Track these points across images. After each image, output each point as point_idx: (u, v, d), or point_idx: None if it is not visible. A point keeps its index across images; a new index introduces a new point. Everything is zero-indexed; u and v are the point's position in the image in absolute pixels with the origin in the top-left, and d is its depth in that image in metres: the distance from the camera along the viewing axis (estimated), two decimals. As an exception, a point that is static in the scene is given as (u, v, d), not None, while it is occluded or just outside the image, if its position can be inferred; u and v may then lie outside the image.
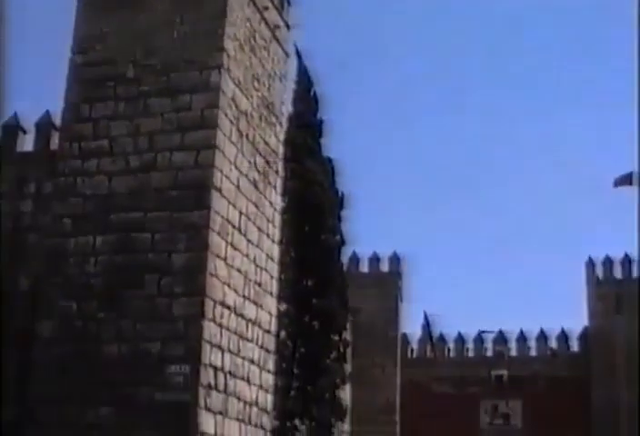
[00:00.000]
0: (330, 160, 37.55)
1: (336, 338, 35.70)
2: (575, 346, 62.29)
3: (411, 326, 64.72)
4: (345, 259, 44.36)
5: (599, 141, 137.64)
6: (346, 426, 52.18)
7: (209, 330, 20.40)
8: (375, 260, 62.31)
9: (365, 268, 61.96)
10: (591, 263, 62.72)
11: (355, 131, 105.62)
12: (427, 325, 63.25)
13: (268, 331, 24.63)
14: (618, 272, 62.33)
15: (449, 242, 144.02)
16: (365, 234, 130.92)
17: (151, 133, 21.87)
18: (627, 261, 62.12)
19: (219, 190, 21.26)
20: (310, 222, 34.02)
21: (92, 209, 21.62)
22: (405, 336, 62.65)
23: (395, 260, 62.26)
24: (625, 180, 63.71)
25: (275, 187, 25.72)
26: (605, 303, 61.01)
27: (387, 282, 61.05)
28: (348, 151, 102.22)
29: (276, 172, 25.98)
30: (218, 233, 21.12)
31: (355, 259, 60.75)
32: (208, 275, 20.49)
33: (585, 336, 61.64)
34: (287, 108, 29.98)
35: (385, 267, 62.23)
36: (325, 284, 34.58)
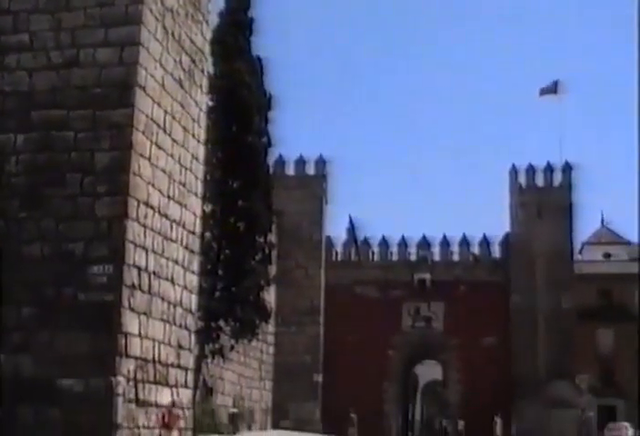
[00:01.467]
0: (259, 59, 36.92)
1: (261, 240, 35.77)
2: (496, 252, 63.47)
3: (336, 229, 65.21)
4: (271, 161, 44.21)
5: (524, 52, 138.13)
6: (270, 327, 52.95)
7: (133, 230, 20.16)
8: (300, 162, 62.21)
9: (290, 170, 61.87)
10: (514, 171, 63.50)
11: (287, 30, 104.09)
12: (352, 228, 63.73)
13: (193, 232, 24.46)
14: (540, 181, 63.25)
15: (376, 146, 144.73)
16: (292, 136, 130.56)
17: (73, 29, 21.11)
18: (549, 169, 63.02)
19: (143, 88, 20.76)
20: (237, 122, 33.64)
21: (12, 106, 20.96)
22: (329, 239, 63.10)
23: (321, 162, 62.26)
24: (550, 89, 64.33)
25: (201, 86, 25.20)
26: (526, 211, 62.09)
27: (313, 184, 61.20)
28: (278, 51, 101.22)
29: (202, 71, 25.42)
30: (142, 132, 20.70)
31: (281, 161, 60.59)
32: (132, 175, 20.13)
33: (506, 242, 62.80)
34: (217, 5, 29.27)
35: (310, 170, 62.23)
36: (251, 186, 34.44)
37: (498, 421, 53.14)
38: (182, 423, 23.13)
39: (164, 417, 22.96)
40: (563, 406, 57.61)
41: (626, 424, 61.07)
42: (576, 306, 62.49)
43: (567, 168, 62.68)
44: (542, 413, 55.58)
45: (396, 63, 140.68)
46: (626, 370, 71.77)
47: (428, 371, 72.87)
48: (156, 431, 22.71)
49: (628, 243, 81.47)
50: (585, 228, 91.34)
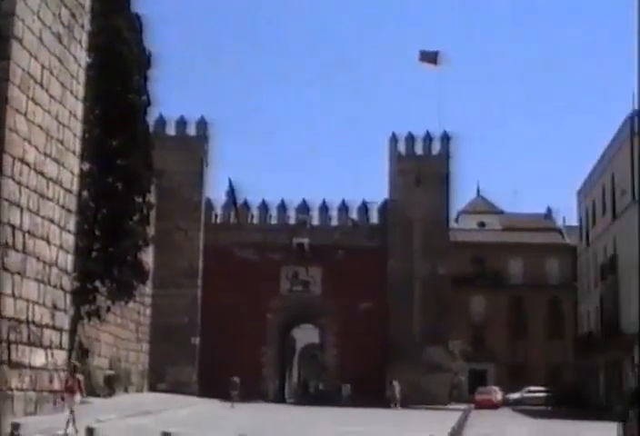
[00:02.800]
0: (138, 17, 36.16)
1: (140, 200, 35.28)
2: (374, 218, 64.07)
3: (216, 191, 64.78)
4: (151, 120, 43.53)
5: (408, 21, 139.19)
6: (148, 289, 52.53)
7: (7, 187, 19.69)
8: (181, 123, 61.42)
9: (171, 131, 61.05)
10: (394, 139, 64.15)
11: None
12: (232, 191, 63.41)
13: (70, 191, 24.02)
14: (419, 149, 64.11)
15: (259, 108, 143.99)
16: (173, 96, 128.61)
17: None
18: (428, 138, 63.93)
19: (20, 41, 20.18)
20: (116, 80, 32.93)
21: None
22: (209, 201, 62.65)
23: (202, 124, 61.54)
24: (431, 57, 65.10)
25: (80, 42, 24.65)
26: (405, 178, 62.87)
27: (193, 145, 60.51)
28: (158, 8, 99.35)
29: (82, 26, 24.86)
30: (19, 87, 20.16)
31: (161, 121, 59.66)
32: (7, 130, 19.63)
33: (384, 208, 63.46)
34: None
35: (191, 131, 61.55)
36: (130, 145, 33.85)
37: (396, 384, 53.93)
38: (83, 386, 23.03)
39: (67, 381, 22.81)
40: (436, 370, 58.97)
41: (495, 388, 63.13)
42: (451, 273, 63.84)
43: (445, 137, 63.69)
44: (417, 377, 56.78)
45: (282, 18, 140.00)
46: (497, 336, 74.04)
47: (306, 335, 73.55)
48: (58, 395, 22.58)
49: (502, 213, 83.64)
50: (461, 197, 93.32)
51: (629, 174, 51.29)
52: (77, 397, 22.56)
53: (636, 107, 51.50)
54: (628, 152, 51.77)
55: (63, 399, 22.74)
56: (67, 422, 21.19)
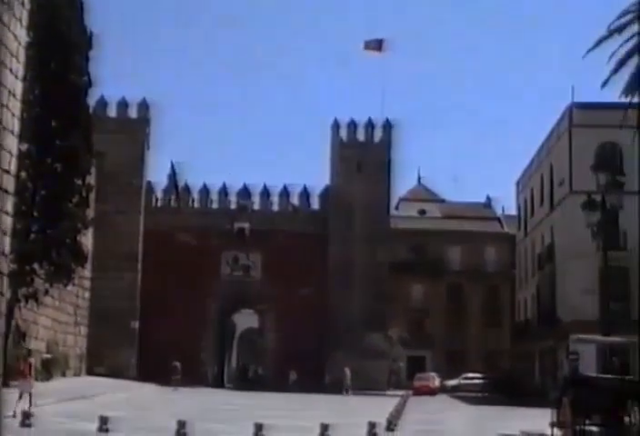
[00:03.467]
0: (79, -5, 35.54)
1: (79, 182, 34.78)
2: (315, 204, 64.13)
3: (157, 175, 64.30)
4: (92, 102, 42.91)
5: (348, 3, 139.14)
6: (87, 272, 51.96)
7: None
8: (122, 105, 60.72)
9: (112, 113, 60.36)
10: (336, 126, 64.21)
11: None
12: (173, 175, 62.95)
13: (7, 171, 23.51)
14: (361, 136, 64.22)
15: (201, 91, 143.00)
16: (115, 78, 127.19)
17: None
18: (370, 125, 64.06)
19: (-44, 17, 19.68)
20: (56, 59, 32.37)
21: None
22: (150, 184, 62.11)
23: (144, 106, 60.92)
24: (375, 45, 65.15)
25: (20, 20, 24.11)
26: (346, 165, 62.97)
27: (135, 128, 59.82)
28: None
29: (22, 3, 24.31)
30: (-45, 64, 19.66)
31: (102, 102, 58.84)
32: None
33: (325, 195, 63.55)
34: None
35: (133, 113, 60.92)
36: (70, 126, 33.31)
37: (347, 371, 54.08)
38: (34, 370, 22.90)
39: (21, 365, 22.64)
40: (376, 357, 59.27)
41: (433, 374, 63.71)
42: (391, 260, 64.14)
43: (387, 125, 63.90)
44: (356, 363, 57.02)
45: (228, 1, 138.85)
46: (435, 322, 74.69)
47: (245, 320, 73.42)
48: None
49: (442, 201, 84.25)
50: (401, 184, 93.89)
51: (567, 165, 51.94)
52: (31, 381, 22.50)
53: (575, 100, 52.25)
54: (566, 143, 52.45)
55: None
56: (17, 402, 21.17)
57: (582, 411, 19.67)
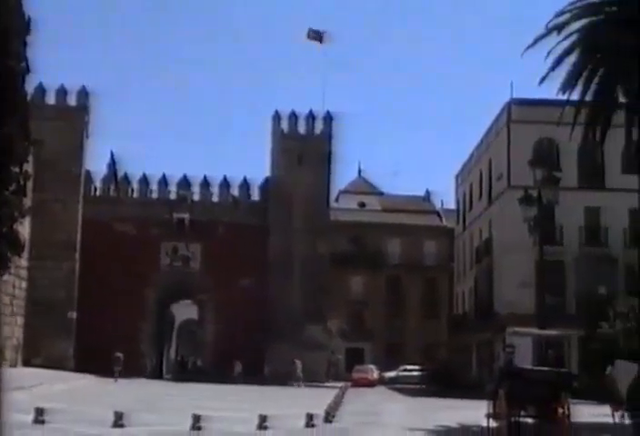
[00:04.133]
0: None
1: (16, 169, 34.19)
2: (256, 195, 64.07)
3: (96, 163, 63.64)
4: (30, 88, 42.23)
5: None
6: (24, 261, 51.20)
7: None
8: (62, 92, 59.88)
9: (51, 100, 59.54)
10: (277, 117, 64.17)
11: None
12: (113, 164, 62.36)
13: (-58, 159, 23.19)
14: (302, 128, 64.27)
15: (142, 79, 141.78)
16: (54, 65, 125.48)
17: None
18: (311, 117, 64.13)
19: None
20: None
21: None
22: (89, 173, 61.50)
23: (83, 94, 60.18)
24: (317, 36, 65.14)
25: (-42, 5, 23.71)
26: (287, 157, 63.02)
27: (73, 116, 59.08)
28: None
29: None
30: None
31: (40, 89, 57.93)
32: None
33: (266, 186, 63.51)
34: None
35: (72, 101, 60.15)
36: (6, 113, 32.75)
37: (298, 363, 54.13)
38: None
39: None
40: (315, 348, 59.41)
41: (372, 366, 64.05)
42: (331, 252, 64.35)
43: (328, 117, 64.05)
44: (295, 355, 57.10)
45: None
46: (375, 315, 75.11)
47: (185, 311, 73.17)
48: None
49: (381, 194, 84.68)
50: (342, 177, 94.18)
51: (505, 161, 52.53)
52: None
53: (514, 96, 52.83)
54: (505, 139, 53.07)
55: None
56: None
57: (517, 402, 19.91)
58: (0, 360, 19.24)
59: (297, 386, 52.15)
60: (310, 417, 21.51)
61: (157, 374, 61.10)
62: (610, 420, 21.29)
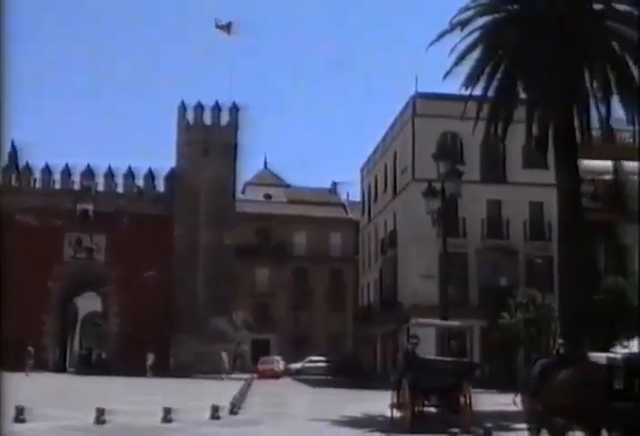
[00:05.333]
0: None
1: None
2: (161, 186, 63.60)
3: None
4: None
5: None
6: None
7: None
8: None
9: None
10: (183, 108, 63.81)
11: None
12: (14, 153, 61.09)
13: None
14: (208, 119, 64.00)
15: (53, 67, 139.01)
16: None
17: None
18: (217, 108, 63.90)
19: None
20: None
21: None
22: (-13, 163, 60.22)
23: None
24: (225, 27, 64.86)
25: None
26: (193, 148, 62.76)
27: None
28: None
29: None
30: None
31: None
32: None
33: (171, 177, 63.11)
34: None
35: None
36: None
37: (224, 355, 53.84)
38: None
39: None
40: (220, 340, 59.28)
41: (278, 358, 64.16)
42: (236, 244, 64.26)
43: (235, 108, 63.90)
44: (201, 347, 56.88)
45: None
46: (280, 306, 75.26)
47: (88, 303, 72.18)
48: None
49: (288, 186, 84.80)
50: (248, 169, 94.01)
51: (410, 154, 53.11)
52: None
53: (420, 90, 53.45)
54: (410, 132, 53.65)
55: None
56: None
57: (420, 392, 20.30)
58: None
59: (224, 378, 51.95)
60: (215, 409, 21.56)
61: (60, 368, 60.22)
62: (512, 408, 21.83)
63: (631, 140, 49.55)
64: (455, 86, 26.87)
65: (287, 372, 62.58)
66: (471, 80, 26.56)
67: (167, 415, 20.27)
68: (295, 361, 67.37)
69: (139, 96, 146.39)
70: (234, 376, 54.61)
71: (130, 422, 20.03)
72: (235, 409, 23.32)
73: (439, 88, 37.44)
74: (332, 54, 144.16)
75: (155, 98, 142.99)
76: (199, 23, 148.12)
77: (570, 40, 24.41)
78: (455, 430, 16.11)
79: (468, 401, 20.01)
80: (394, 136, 59.25)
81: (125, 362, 55.48)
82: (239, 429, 19.71)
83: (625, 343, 37.39)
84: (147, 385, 41.13)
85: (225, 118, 63.90)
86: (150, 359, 55.18)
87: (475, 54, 26.67)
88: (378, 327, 59.97)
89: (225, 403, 22.82)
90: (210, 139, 62.57)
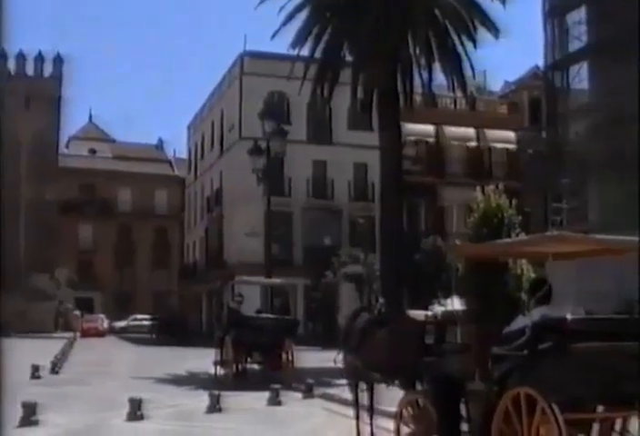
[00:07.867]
0: None
1: None
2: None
3: None
4: None
5: None
6: None
7: None
8: None
9: None
10: (4, 58, 61.53)
11: None
12: None
13: None
14: (31, 70, 62.05)
15: None
16: None
17: None
18: (41, 58, 61.98)
19: None
20: None
21: None
22: None
23: None
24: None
25: None
26: (14, 99, 60.78)
27: None
28: None
29: None
30: None
31: None
32: None
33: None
34: None
35: None
36: None
37: (77, 314, 52.43)
38: None
39: None
40: (42, 298, 58.11)
41: (102, 316, 63.46)
42: (59, 199, 62.88)
43: (59, 59, 62.12)
44: (22, 305, 55.55)
45: None
46: (104, 263, 74.24)
47: None
48: None
49: (113, 141, 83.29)
50: (73, 122, 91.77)
51: (237, 112, 53.09)
52: None
53: (248, 48, 53.35)
54: (237, 90, 53.56)
55: None
56: None
57: (243, 349, 20.66)
58: None
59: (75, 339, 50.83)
60: (36, 368, 21.26)
61: None
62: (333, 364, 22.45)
63: (452, 105, 51.49)
64: (284, 46, 26.95)
65: (112, 331, 62.03)
66: (299, 40, 26.71)
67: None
68: (120, 320, 66.82)
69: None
70: (56, 335, 53.74)
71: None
72: (56, 368, 23.06)
73: (269, 47, 37.52)
74: (162, 3, 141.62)
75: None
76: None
77: (394, 6, 24.88)
78: (277, 386, 16.47)
79: (290, 358, 20.50)
80: (221, 94, 59.01)
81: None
82: (60, 389, 19.47)
83: (443, 302, 38.87)
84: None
85: (48, 69, 62.06)
86: None
87: (304, 14, 26.82)
88: (204, 285, 60.06)
89: (46, 363, 22.52)
90: (33, 91, 60.71)
